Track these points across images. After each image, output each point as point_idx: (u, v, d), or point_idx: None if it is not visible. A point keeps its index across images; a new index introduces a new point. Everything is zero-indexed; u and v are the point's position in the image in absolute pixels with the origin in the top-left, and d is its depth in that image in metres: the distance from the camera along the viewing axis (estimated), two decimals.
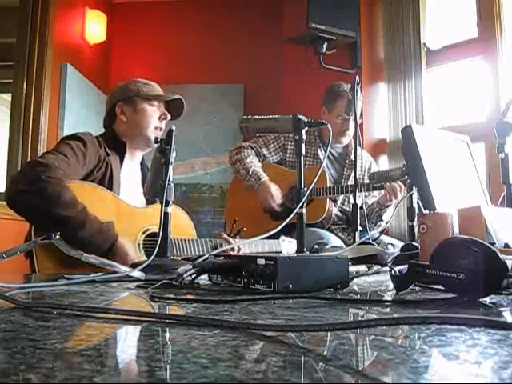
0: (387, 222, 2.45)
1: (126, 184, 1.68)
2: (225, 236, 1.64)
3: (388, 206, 2.33)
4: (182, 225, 1.68)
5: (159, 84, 1.79)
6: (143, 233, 1.56)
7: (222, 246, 1.59)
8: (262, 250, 1.69)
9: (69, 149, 1.50)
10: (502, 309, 0.63)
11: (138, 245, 1.54)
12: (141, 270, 0.99)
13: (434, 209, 1.16)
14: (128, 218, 1.55)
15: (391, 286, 0.79)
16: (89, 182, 1.54)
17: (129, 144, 1.72)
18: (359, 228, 1.63)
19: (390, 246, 1.55)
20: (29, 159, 3.08)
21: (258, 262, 0.77)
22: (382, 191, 2.27)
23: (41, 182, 1.35)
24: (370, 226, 2.33)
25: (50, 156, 1.46)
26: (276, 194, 2.38)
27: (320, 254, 1.22)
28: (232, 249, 1.55)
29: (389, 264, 1.10)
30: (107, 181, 1.58)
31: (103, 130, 1.79)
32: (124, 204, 1.56)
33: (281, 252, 1.67)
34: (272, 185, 2.40)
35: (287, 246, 1.72)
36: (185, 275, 0.85)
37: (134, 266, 1.08)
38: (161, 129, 1.73)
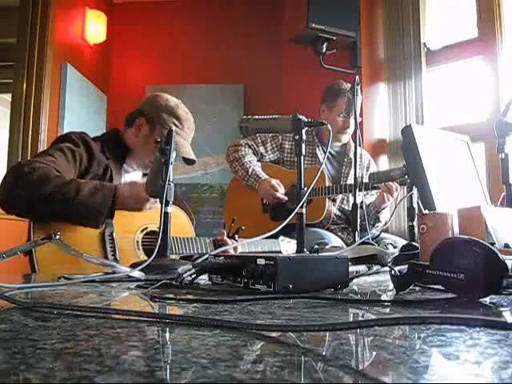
0: (386, 223, 2.45)
1: None
2: (224, 237, 1.63)
3: (384, 208, 2.34)
4: (180, 224, 1.68)
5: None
6: (142, 231, 1.56)
7: (219, 244, 1.59)
8: (262, 250, 1.69)
9: (57, 151, 1.49)
10: (501, 309, 0.63)
11: (137, 243, 1.54)
12: (141, 270, 0.99)
13: (434, 209, 1.16)
14: (126, 216, 1.55)
15: (391, 286, 0.79)
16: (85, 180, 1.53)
17: (131, 153, 1.71)
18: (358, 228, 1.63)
19: (389, 246, 1.55)
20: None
21: (258, 262, 0.77)
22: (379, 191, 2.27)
23: (26, 175, 1.35)
24: (368, 227, 2.33)
25: (36, 158, 1.46)
26: (277, 183, 2.38)
27: (320, 253, 1.22)
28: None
29: (389, 264, 1.10)
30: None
31: (103, 130, 1.78)
32: None
33: (280, 251, 1.67)
34: (272, 179, 2.40)
35: (286, 246, 1.72)
36: (185, 275, 0.85)
37: (133, 265, 1.08)
38: None
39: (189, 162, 1.75)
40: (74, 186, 1.37)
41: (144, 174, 1.80)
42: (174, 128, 1.63)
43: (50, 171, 1.38)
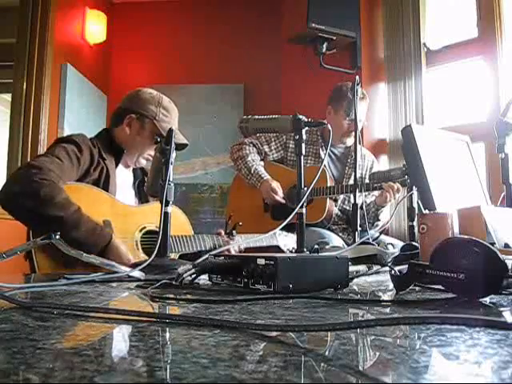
0: (387, 222, 2.46)
1: (121, 187, 1.67)
2: (225, 238, 1.64)
3: (384, 206, 2.34)
4: (178, 223, 1.68)
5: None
6: (140, 231, 1.57)
7: (221, 244, 1.59)
8: (260, 245, 1.70)
9: (63, 152, 1.49)
10: (501, 309, 0.63)
11: (136, 243, 1.54)
12: (141, 270, 0.99)
13: (434, 209, 1.16)
14: (124, 216, 1.55)
15: (391, 286, 0.79)
16: (84, 183, 1.54)
17: (125, 152, 1.72)
18: (359, 228, 1.64)
19: (389, 246, 1.55)
20: (29, 159, 3.08)
21: (258, 262, 0.77)
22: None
23: (34, 184, 1.34)
24: (368, 226, 2.34)
25: (43, 159, 1.45)
26: (277, 186, 2.40)
27: (320, 253, 1.22)
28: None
29: (389, 264, 1.10)
30: (102, 184, 1.58)
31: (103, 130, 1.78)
32: (119, 203, 1.56)
33: (278, 246, 1.69)
34: (273, 181, 2.43)
35: (284, 240, 1.73)
36: (185, 275, 0.85)
37: (133, 265, 1.08)
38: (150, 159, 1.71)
39: (182, 146, 1.70)
40: (75, 219, 1.35)
41: (144, 173, 1.81)
42: (162, 118, 1.65)
43: (58, 191, 1.37)
